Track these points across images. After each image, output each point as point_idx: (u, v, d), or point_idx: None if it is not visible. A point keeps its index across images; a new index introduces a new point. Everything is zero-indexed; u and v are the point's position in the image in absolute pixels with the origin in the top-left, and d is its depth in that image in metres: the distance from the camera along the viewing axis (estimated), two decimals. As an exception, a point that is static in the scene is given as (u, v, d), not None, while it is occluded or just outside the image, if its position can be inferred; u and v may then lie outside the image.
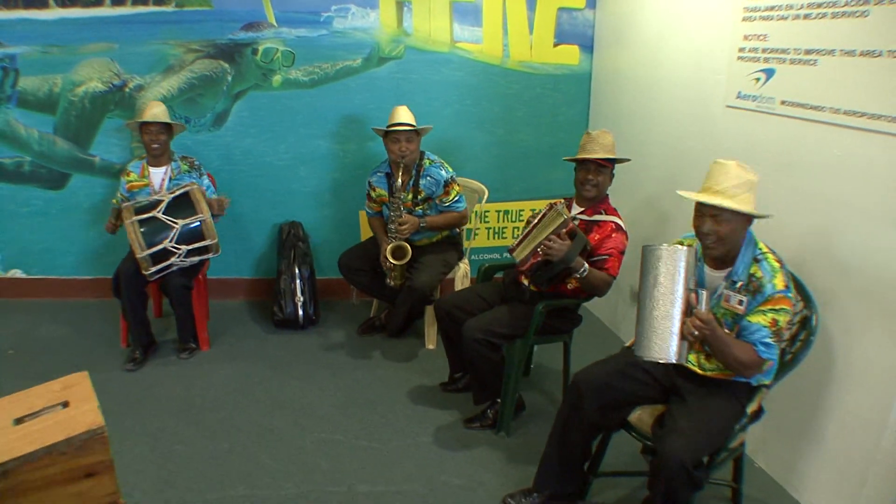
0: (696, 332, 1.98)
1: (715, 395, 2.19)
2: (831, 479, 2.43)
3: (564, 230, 2.66)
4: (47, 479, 1.48)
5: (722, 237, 2.08)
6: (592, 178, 2.81)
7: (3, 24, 3.74)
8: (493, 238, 4.39)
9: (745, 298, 2.10)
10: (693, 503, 2.20)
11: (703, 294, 2.02)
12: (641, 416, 2.31)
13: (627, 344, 2.61)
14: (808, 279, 2.39)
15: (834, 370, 2.40)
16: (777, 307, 2.06)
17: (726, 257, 2.15)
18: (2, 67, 3.82)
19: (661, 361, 2.05)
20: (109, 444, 1.55)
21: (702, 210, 2.11)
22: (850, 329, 2.33)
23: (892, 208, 2.14)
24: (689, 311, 2.02)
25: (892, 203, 2.14)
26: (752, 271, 2.11)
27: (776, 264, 2.11)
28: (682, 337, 2.02)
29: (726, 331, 2.13)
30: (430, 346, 3.71)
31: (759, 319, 2.06)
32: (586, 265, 2.68)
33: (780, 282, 2.07)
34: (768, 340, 2.05)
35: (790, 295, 2.09)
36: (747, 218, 2.10)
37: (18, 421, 1.56)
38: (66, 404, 1.61)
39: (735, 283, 2.13)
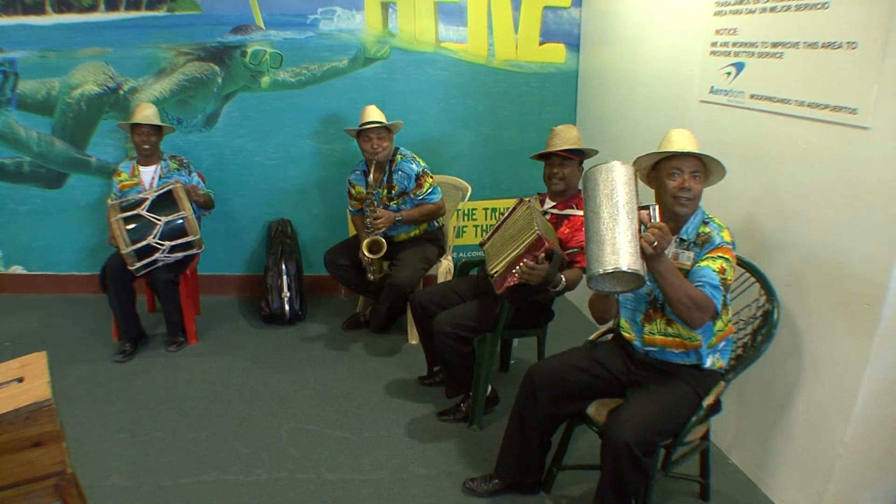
0: (655, 242, 1.92)
1: (672, 384, 2.21)
2: (799, 474, 2.43)
3: (542, 252, 2.55)
4: (-3, 447, 1.56)
5: (697, 195, 2.16)
6: (558, 171, 2.84)
7: (3, 29, 3.88)
8: (481, 235, 4.43)
9: (692, 254, 2.15)
10: (651, 495, 2.22)
11: (655, 208, 1.99)
12: (598, 408, 2.32)
13: (591, 337, 2.64)
14: (775, 271, 2.41)
15: (802, 364, 2.40)
16: (725, 255, 2.11)
17: (682, 221, 2.19)
18: (2, 71, 3.96)
19: (625, 270, 1.86)
20: (57, 416, 1.62)
21: (680, 169, 2.14)
22: (816, 322, 2.34)
23: (854, 201, 2.15)
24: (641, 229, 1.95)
25: (854, 195, 2.15)
26: (700, 230, 2.18)
27: (722, 224, 2.19)
28: (642, 253, 1.91)
29: None
30: (413, 342, 3.75)
31: (709, 264, 2.09)
32: (563, 278, 2.69)
33: (727, 235, 2.15)
34: (716, 283, 2.05)
35: (735, 251, 2.16)
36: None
37: (-25, 394, 1.64)
38: (21, 380, 1.69)
39: (684, 241, 2.18)
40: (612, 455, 2.03)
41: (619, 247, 1.88)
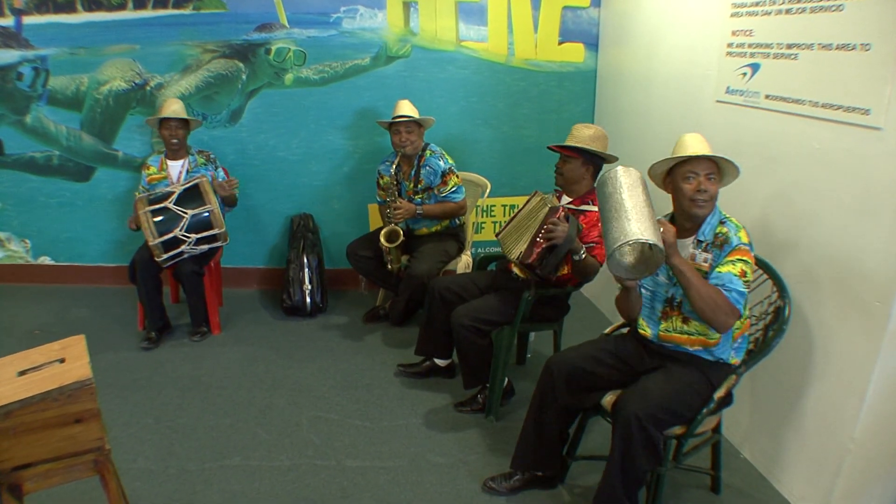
0: (662, 228, 2.04)
1: (685, 370, 2.26)
2: (809, 469, 2.47)
3: (559, 215, 2.74)
4: (43, 421, 1.66)
5: (713, 195, 2.20)
6: (560, 166, 2.91)
7: (35, 27, 4.01)
8: (499, 232, 4.49)
9: (710, 256, 2.19)
10: (662, 487, 2.27)
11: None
12: (612, 398, 2.37)
13: (607, 331, 2.70)
14: (787, 269, 2.45)
15: (813, 361, 2.44)
16: (744, 258, 2.14)
17: (699, 222, 2.23)
18: (33, 68, 4.09)
19: (642, 241, 1.97)
20: (97, 395, 1.71)
21: (695, 172, 2.17)
22: (827, 318, 2.37)
23: (865, 199, 2.19)
24: None
25: (865, 194, 2.19)
26: (717, 230, 2.21)
27: (739, 224, 2.22)
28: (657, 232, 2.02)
29: None
30: (432, 335, 3.82)
31: (730, 269, 2.13)
32: (584, 248, 2.77)
33: (744, 236, 2.18)
34: (741, 289, 2.11)
35: (753, 252, 2.20)
36: None
37: (22, 373, 1.76)
38: (62, 360, 1.80)
39: (701, 242, 2.22)
40: (621, 428, 2.09)
41: (632, 221, 1.99)
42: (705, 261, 2.20)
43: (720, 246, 2.18)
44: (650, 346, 2.38)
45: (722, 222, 2.22)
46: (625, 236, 1.98)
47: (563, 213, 2.75)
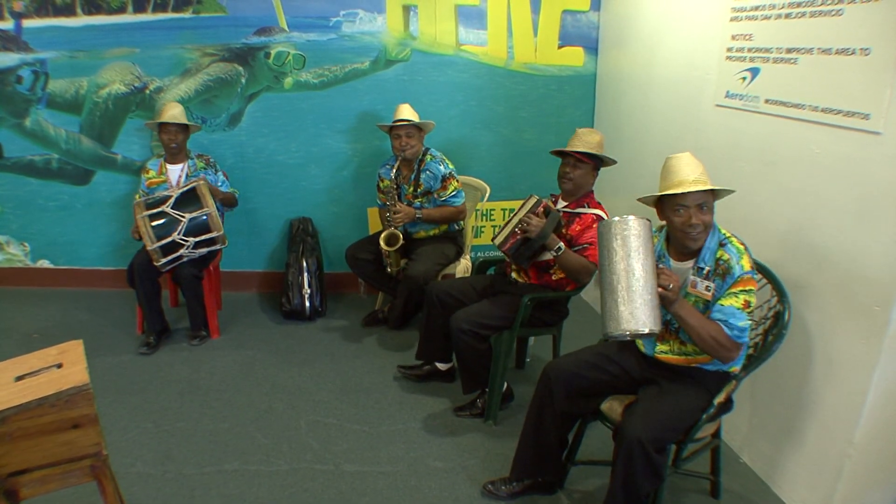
0: (671, 284, 2.02)
1: (684, 383, 2.25)
2: (809, 474, 2.46)
3: (539, 208, 2.81)
4: (39, 427, 1.66)
5: (708, 225, 2.13)
6: (570, 171, 2.90)
7: (35, 30, 4.02)
8: (498, 236, 4.48)
9: (712, 284, 2.13)
10: (662, 492, 2.27)
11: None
12: (612, 404, 2.37)
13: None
14: (787, 273, 2.44)
15: (813, 365, 2.43)
16: (747, 288, 2.10)
17: (698, 249, 2.19)
18: (33, 71, 4.09)
19: (645, 333, 1.98)
20: (94, 400, 1.70)
21: (685, 204, 2.11)
22: (827, 323, 2.37)
23: (865, 204, 2.19)
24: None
25: (865, 199, 2.19)
26: (718, 255, 2.14)
27: (741, 246, 2.16)
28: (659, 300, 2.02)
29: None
30: (430, 339, 3.81)
31: (733, 302, 2.09)
32: (561, 244, 2.78)
33: (746, 263, 2.12)
34: (744, 325, 2.08)
35: (756, 277, 2.16)
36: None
37: (19, 378, 1.76)
38: (59, 366, 1.79)
39: (702, 269, 2.16)
40: (624, 452, 2.07)
41: (635, 306, 1.97)
42: (707, 289, 2.14)
43: (722, 276, 2.12)
44: (648, 357, 2.37)
45: (722, 244, 2.15)
46: (622, 323, 1.98)
47: (542, 210, 2.79)
